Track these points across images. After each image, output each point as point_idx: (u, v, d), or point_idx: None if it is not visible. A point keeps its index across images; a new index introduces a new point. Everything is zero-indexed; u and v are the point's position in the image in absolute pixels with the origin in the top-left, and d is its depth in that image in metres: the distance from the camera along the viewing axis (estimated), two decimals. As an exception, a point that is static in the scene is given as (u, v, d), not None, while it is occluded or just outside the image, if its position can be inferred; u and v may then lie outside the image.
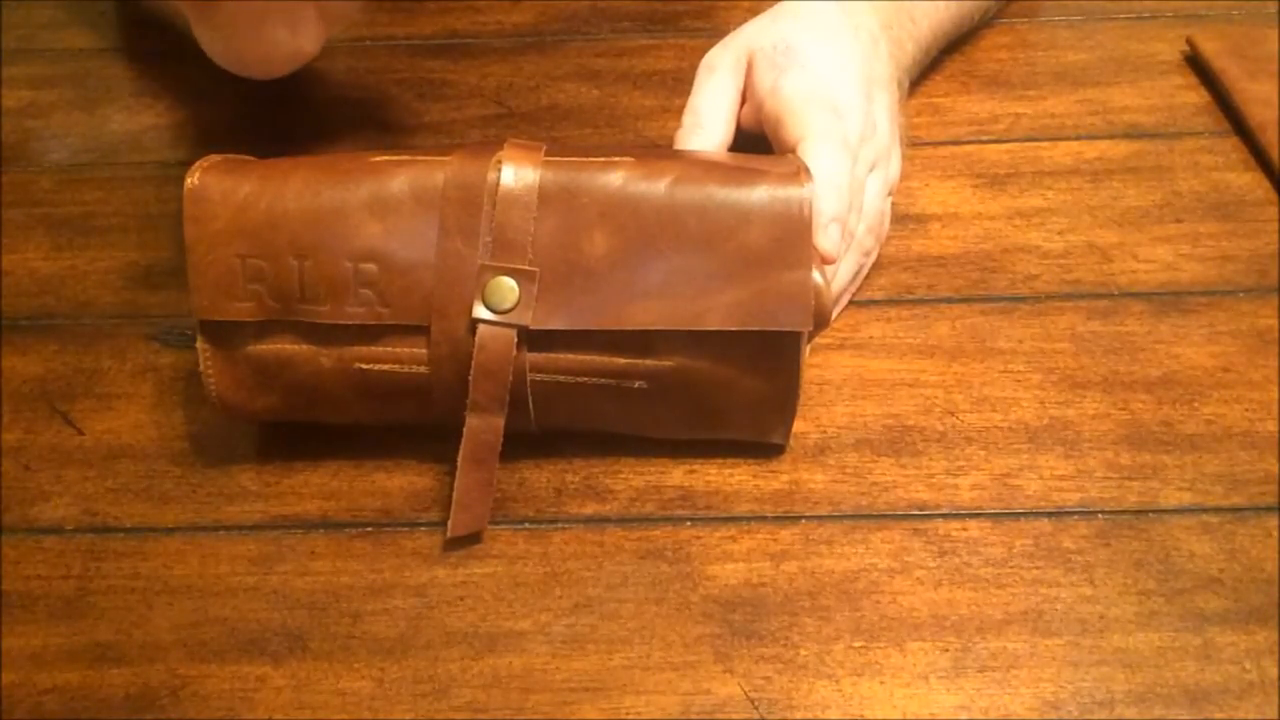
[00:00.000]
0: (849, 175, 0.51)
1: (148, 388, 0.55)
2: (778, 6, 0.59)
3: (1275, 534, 0.47)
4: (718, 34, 0.59)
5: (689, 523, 0.49)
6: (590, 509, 0.50)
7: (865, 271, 0.57)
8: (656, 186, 0.46)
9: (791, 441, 0.51)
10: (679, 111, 0.57)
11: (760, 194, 0.46)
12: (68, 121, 0.71)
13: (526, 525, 0.49)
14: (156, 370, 0.56)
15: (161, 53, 0.74)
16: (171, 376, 0.56)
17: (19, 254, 0.63)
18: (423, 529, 0.49)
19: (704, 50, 0.58)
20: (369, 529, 0.49)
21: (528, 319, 0.46)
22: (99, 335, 0.58)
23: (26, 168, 0.68)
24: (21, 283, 0.61)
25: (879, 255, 0.58)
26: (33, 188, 0.67)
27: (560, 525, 0.49)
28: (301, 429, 0.52)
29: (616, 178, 0.46)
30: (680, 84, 0.59)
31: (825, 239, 0.49)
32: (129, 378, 0.56)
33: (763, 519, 0.49)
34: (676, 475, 0.51)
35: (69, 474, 0.52)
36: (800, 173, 0.46)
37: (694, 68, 0.58)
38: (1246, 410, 0.52)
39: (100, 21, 0.79)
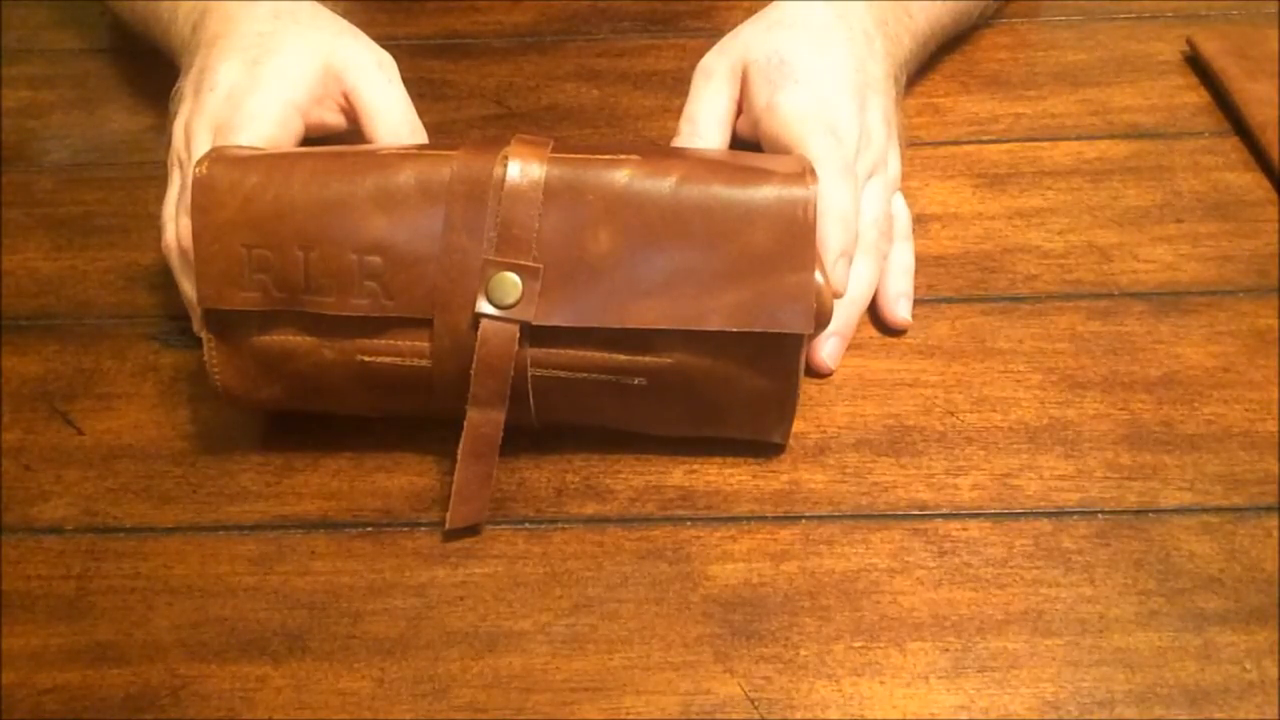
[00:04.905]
0: (852, 203, 0.51)
1: (148, 388, 0.55)
2: (772, 9, 0.59)
3: (1275, 534, 0.47)
4: (718, 34, 0.59)
5: (689, 523, 0.49)
6: (590, 509, 0.50)
7: (904, 269, 0.57)
8: (662, 185, 0.46)
9: (791, 441, 0.51)
10: (678, 112, 0.58)
11: (765, 195, 0.46)
12: (68, 121, 0.71)
13: (526, 525, 0.49)
14: (156, 370, 0.56)
15: (161, 53, 0.74)
16: (172, 376, 0.56)
17: (19, 254, 0.63)
18: (423, 529, 0.49)
19: (704, 51, 0.58)
20: (369, 529, 0.49)
21: (530, 315, 0.46)
22: (99, 335, 0.58)
23: (26, 168, 0.68)
24: (21, 283, 0.61)
25: (922, 249, 0.58)
26: (33, 188, 0.67)
27: (560, 525, 0.49)
28: (302, 428, 0.52)
29: (622, 175, 0.46)
30: (680, 84, 0.59)
31: (834, 275, 0.50)
32: (129, 378, 0.56)
33: (763, 519, 0.49)
34: (676, 475, 0.51)
35: (69, 474, 0.52)
36: (805, 174, 0.46)
37: (694, 68, 0.58)
38: (1246, 410, 0.52)
39: (99, 21, 0.79)
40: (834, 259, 0.50)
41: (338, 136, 0.58)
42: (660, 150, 0.53)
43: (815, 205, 0.45)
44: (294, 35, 0.56)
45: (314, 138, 0.57)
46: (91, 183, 0.67)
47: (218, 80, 0.54)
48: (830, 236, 0.50)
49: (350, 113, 0.57)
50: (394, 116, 0.56)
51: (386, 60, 0.58)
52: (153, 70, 0.66)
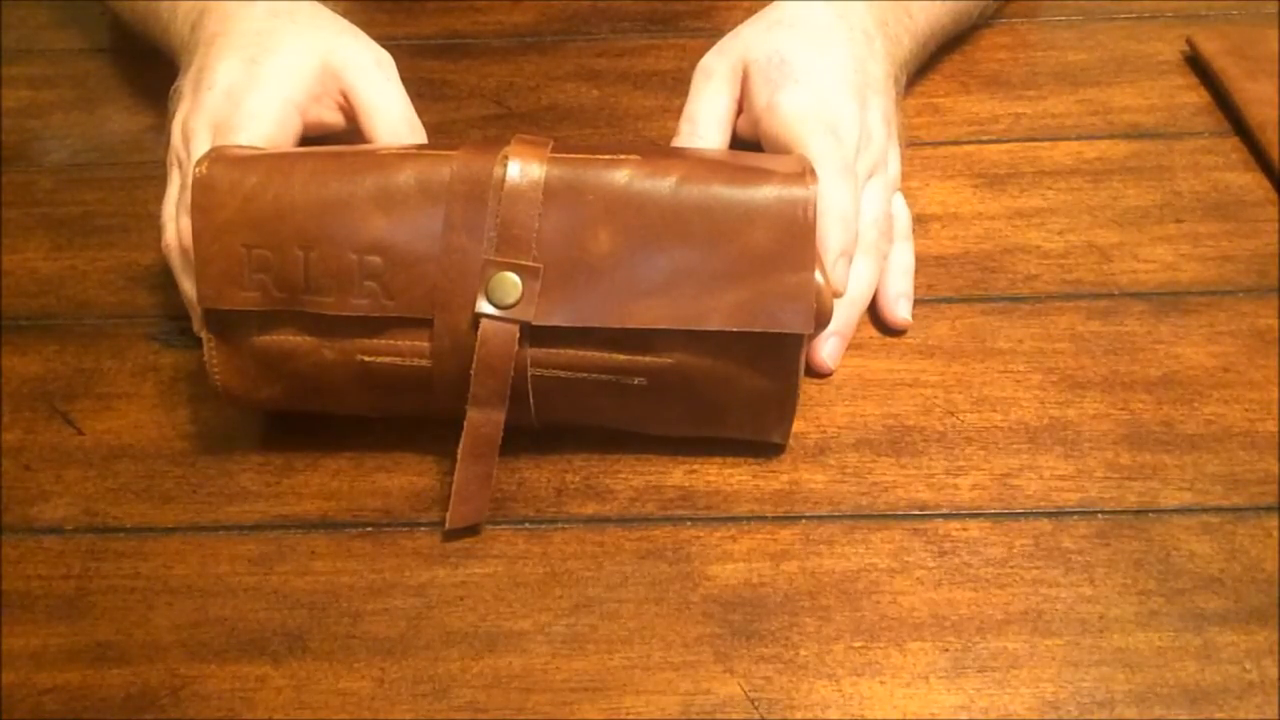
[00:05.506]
0: (852, 203, 0.51)
1: (148, 388, 0.55)
2: (772, 9, 0.59)
3: (1275, 534, 0.47)
4: (718, 34, 0.59)
5: (689, 523, 0.49)
6: (590, 509, 0.50)
7: (904, 269, 0.57)
8: (662, 185, 0.46)
9: (791, 441, 0.51)
10: (678, 112, 0.58)
11: (765, 195, 0.46)
12: (68, 121, 0.71)
13: (526, 525, 0.49)
14: (156, 370, 0.56)
15: (161, 52, 0.74)
16: (172, 376, 0.56)
17: (19, 254, 0.63)
18: (423, 529, 0.49)
19: (704, 51, 0.58)
20: (369, 529, 0.49)
21: (530, 315, 0.46)
22: (99, 335, 0.58)
23: (26, 168, 0.68)
24: (21, 283, 0.61)
25: (922, 249, 0.58)
26: (33, 188, 0.67)
27: (560, 525, 0.49)
28: (302, 428, 0.52)
29: (622, 175, 0.46)
30: (680, 84, 0.59)
31: (834, 274, 0.50)
32: (129, 378, 0.56)
33: (763, 519, 0.49)
34: (676, 475, 0.51)
35: (69, 474, 0.52)
36: (805, 174, 0.46)
37: (694, 68, 0.58)
38: (1246, 410, 0.52)
39: (100, 21, 0.79)
40: (834, 258, 0.50)
41: (336, 136, 0.58)
42: (660, 150, 0.53)
43: (815, 205, 0.45)
44: (292, 34, 0.56)
45: (313, 136, 0.57)
46: (91, 183, 0.67)
47: (216, 79, 0.55)
48: (830, 236, 0.50)
49: (349, 111, 0.57)
50: (392, 115, 0.56)
51: (385, 59, 0.58)
52: (153, 70, 0.66)
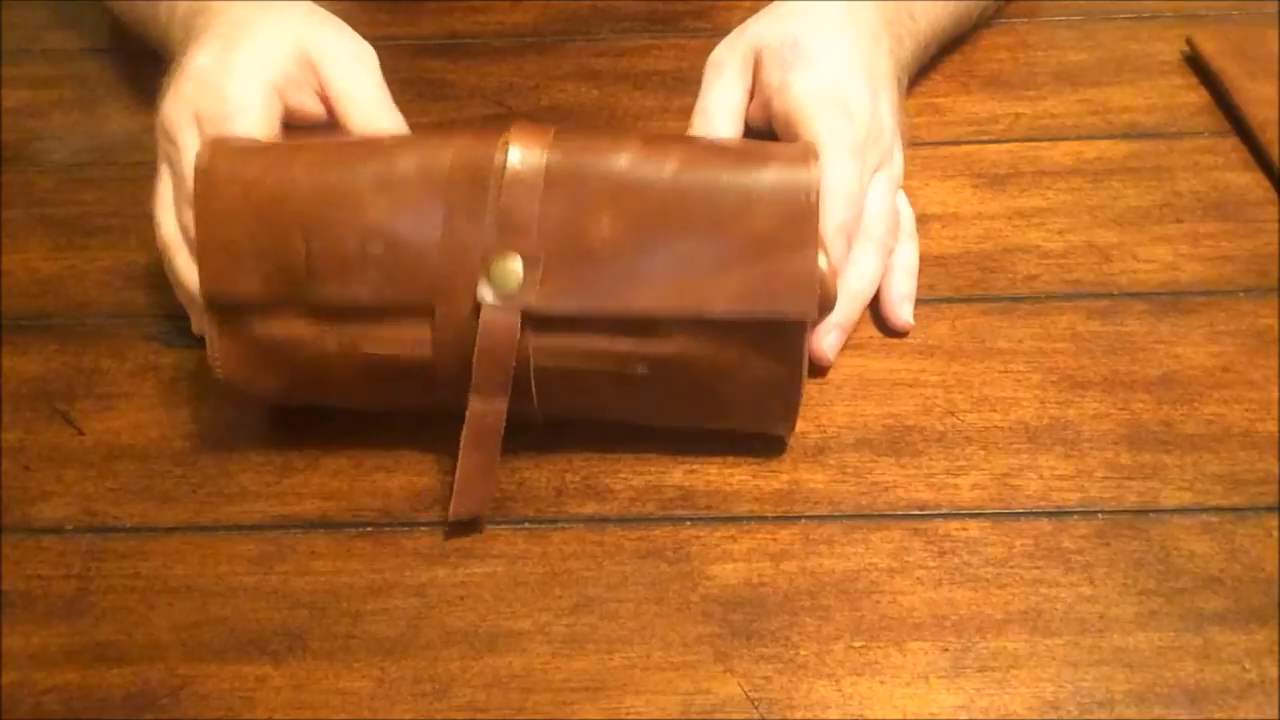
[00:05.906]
0: (858, 183, 0.51)
1: (148, 387, 0.55)
2: (777, 5, 0.59)
3: (1275, 534, 0.47)
4: (718, 34, 0.59)
5: (689, 523, 0.49)
6: (590, 509, 0.50)
7: (908, 270, 0.57)
8: (663, 170, 0.46)
9: (791, 441, 0.51)
10: (679, 112, 0.58)
11: (767, 178, 0.46)
12: (68, 121, 0.71)
13: (526, 525, 0.49)
14: (156, 370, 0.56)
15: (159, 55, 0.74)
16: (172, 376, 0.56)
17: (19, 254, 0.63)
18: (423, 529, 0.49)
19: (704, 50, 0.58)
20: (369, 529, 0.49)
21: (532, 302, 0.46)
22: (99, 335, 0.58)
23: (26, 168, 0.68)
24: (21, 283, 0.61)
25: (921, 249, 0.58)
26: (33, 188, 0.67)
27: (560, 525, 0.49)
28: (303, 427, 0.52)
29: (623, 160, 0.46)
30: (680, 84, 0.59)
31: (832, 249, 0.50)
32: (129, 378, 0.56)
33: (763, 519, 0.49)
34: (676, 475, 0.51)
35: (69, 474, 0.52)
36: (808, 156, 0.46)
37: (694, 68, 0.58)
38: (1246, 410, 0.52)
39: (100, 21, 0.79)
40: (833, 234, 0.50)
41: (324, 127, 0.57)
42: (663, 135, 0.52)
43: (818, 190, 0.45)
44: (269, 22, 0.56)
45: (298, 125, 0.56)
46: (91, 183, 0.67)
47: (193, 68, 0.54)
48: (832, 213, 0.50)
49: (329, 103, 0.57)
50: (366, 108, 0.56)
51: (365, 52, 0.57)
52: (153, 70, 0.66)
